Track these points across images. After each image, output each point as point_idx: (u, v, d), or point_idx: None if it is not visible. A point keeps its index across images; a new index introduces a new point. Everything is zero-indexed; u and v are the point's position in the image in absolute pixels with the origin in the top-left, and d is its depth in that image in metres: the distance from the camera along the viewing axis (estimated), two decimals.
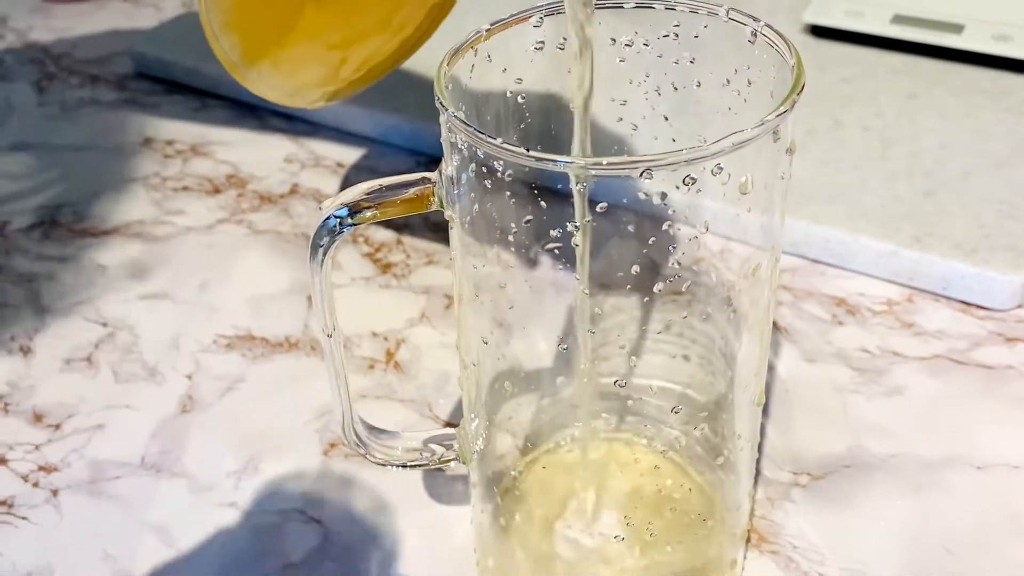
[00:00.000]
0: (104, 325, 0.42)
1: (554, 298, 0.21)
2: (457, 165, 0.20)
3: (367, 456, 0.26)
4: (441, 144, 0.21)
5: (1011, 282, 0.38)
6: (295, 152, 0.52)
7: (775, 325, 0.39)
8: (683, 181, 0.17)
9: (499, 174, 0.18)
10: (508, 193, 0.19)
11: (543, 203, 0.19)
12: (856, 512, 0.32)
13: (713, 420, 0.23)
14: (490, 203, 0.20)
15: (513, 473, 0.25)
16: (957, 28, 0.52)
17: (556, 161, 0.17)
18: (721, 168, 0.17)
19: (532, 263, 0.20)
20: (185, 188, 0.50)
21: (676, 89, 0.24)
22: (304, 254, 0.45)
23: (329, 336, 0.23)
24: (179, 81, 0.58)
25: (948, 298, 0.40)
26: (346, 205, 0.21)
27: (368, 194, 0.21)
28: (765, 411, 0.35)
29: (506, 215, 0.20)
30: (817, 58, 0.54)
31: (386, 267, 0.44)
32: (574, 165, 0.17)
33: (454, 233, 0.21)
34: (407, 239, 0.45)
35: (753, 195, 0.19)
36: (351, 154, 0.52)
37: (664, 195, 0.17)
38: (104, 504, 0.34)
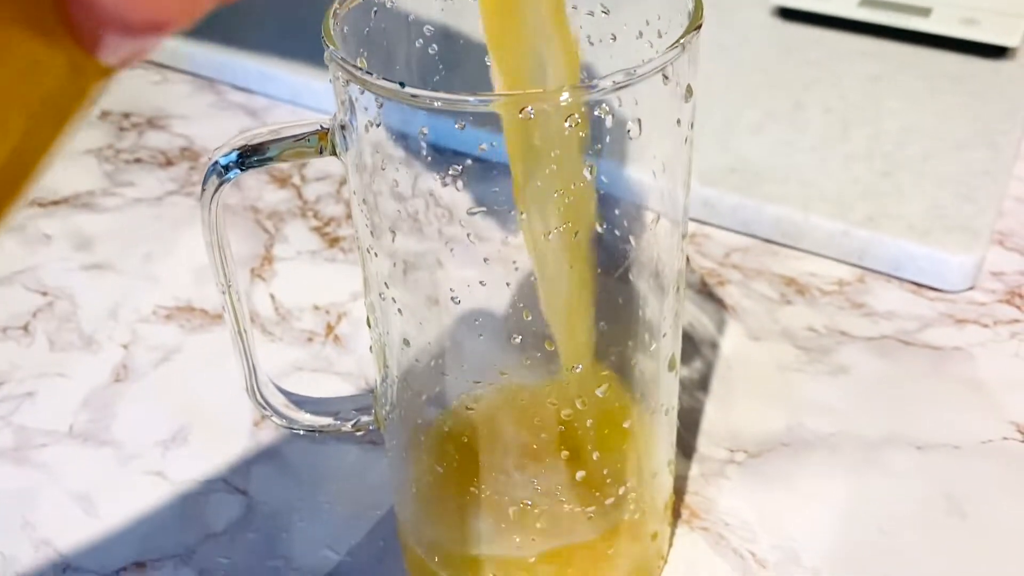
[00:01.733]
0: (44, 294, 0.41)
1: (448, 247, 0.20)
2: (347, 109, 0.19)
3: (273, 419, 0.26)
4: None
5: (962, 263, 0.38)
6: (251, 126, 0.51)
7: (721, 303, 0.38)
8: (567, 121, 0.16)
9: (376, 113, 0.18)
10: (391, 135, 0.18)
11: (424, 145, 0.18)
12: (791, 491, 0.31)
13: (621, 382, 0.22)
14: (378, 147, 0.19)
15: (421, 437, 0.24)
16: (925, 12, 0.52)
17: (428, 98, 0.16)
18: (609, 110, 0.17)
19: (424, 207, 0.20)
20: (138, 160, 0.49)
21: (592, 44, 0.23)
22: (251, 227, 0.44)
23: (224, 292, 0.22)
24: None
25: (900, 279, 0.39)
26: (236, 150, 0.20)
27: (260, 141, 0.20)
28: (705, 388, 0.35)
29: (393, 158, 0.19)
30: (783, 40, 0.53)
31: (334, 241, 0.43)
32: (446, 100, 0.16)
33: (349, 181, 0.20)
34: None
35: (648, 143, 0.18)
36: None
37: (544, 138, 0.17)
38: (27, 472, 0.33)
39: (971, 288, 0.38)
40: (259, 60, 0.53)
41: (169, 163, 0.49)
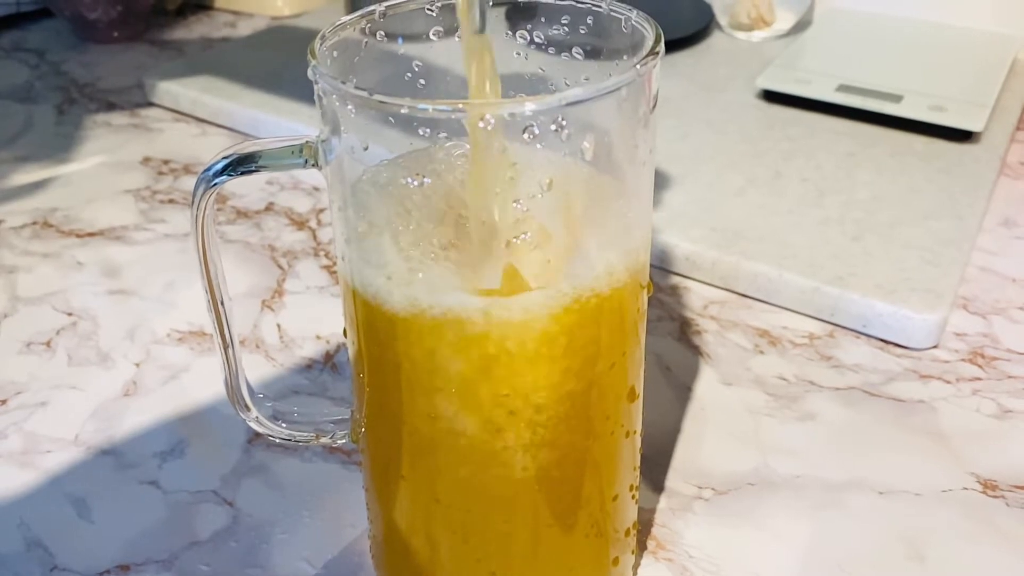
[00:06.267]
0: (69, 314, 0.40)
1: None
2: (329, 125, 0.19)
3: (248, 421, 0.24)
4: None
5: (926, 321, 0.36)
6: (277, 176, 0.51)
7: (697, 350, 0.37)
8: (524, 132, 0.16)
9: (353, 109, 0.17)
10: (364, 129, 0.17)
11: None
12: (756, 528, 0.29)
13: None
14: (355, 156, 0.18)
15: (397, 460, 0.23)
16: (897, 98, 0.51)
17: (394, 104, 0.16)
18: (564, 125, 0.16)
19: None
20: (171, 201, 0.49)
21: (568, 86, 0.22)
22: (267, 262, 0.44)
23: (207, 291, 0.21)
24: (184, 111, 0.58)
25: (868, 335, 0.38)
26: (226, 158, 0.20)
27: (248, 151, 0.20)
28: (678, 428, 0.33)
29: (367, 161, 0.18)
30: (766, 118, 0.53)
31: None
32: (409, 108, 0.16)
33: (329, 191, 0.20)
34: None
35: (601, 157, 0.17)
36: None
37: (504, 148, 0.16)
38: (29, 475, 0.32)
39: (935, 347, 0.37)
40: (289, 117, 0.54)
41: None
